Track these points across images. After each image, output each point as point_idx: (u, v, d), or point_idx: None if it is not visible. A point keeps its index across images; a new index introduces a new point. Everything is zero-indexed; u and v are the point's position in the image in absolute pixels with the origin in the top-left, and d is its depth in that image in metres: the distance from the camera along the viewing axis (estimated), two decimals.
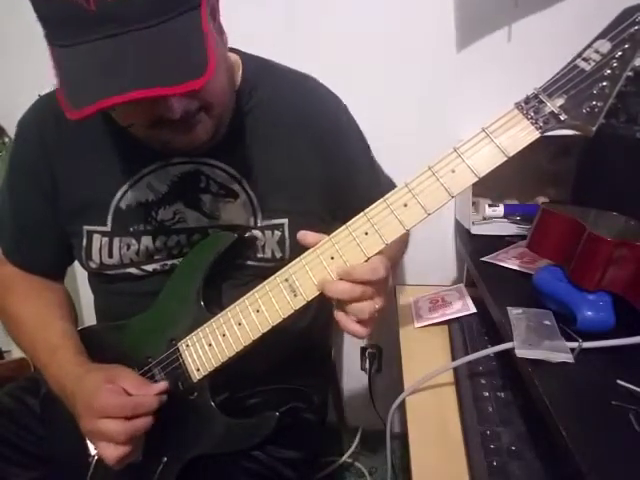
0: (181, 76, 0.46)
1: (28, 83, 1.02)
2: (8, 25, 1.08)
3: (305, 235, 0.54)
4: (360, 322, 0.53)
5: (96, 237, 0.68)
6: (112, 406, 0.57)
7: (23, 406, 0.74)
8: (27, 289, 0.73)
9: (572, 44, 0.50)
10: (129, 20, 0.46)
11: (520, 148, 0.49)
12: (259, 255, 0.71)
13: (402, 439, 0.71)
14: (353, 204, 0.54)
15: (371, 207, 0.52)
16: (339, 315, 0.54)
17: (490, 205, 1.00)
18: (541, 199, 1.02)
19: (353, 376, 1.33)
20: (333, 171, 0.72)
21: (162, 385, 0.62)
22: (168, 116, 0.54)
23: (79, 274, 1.22)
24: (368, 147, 0.80)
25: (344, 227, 0.53)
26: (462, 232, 1.03)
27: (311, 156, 0.71)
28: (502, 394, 0.69)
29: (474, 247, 0.94)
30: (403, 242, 0.87)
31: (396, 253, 0.83)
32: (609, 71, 0.47)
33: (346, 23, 0.99)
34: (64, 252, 0.74)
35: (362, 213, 0.53)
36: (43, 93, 0.97)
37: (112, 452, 0.57)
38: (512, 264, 0.82)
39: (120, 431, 0.57)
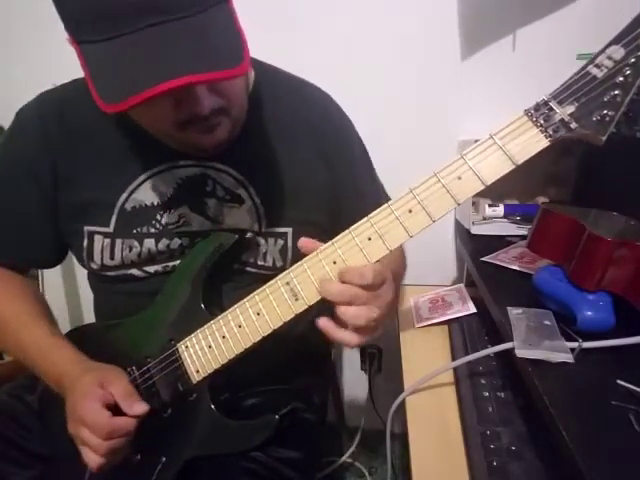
0: (226, 62, 0.47)
1: (28, 83, 1.02)
2: (8, 25, 1.08)
3: (306, 242, 0.53)
4: (355, 330, 0.52)
5: (97, 238, 0.68)
6: (90, 422, 0.58)
7: (22, 405, 0.74)
8: (6, 288, 0.72)
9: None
10: (169, 9, 0.46)
11: (529, 156, 0.48)
12: (259, 262, 0.71)
13: (402, 439, 0.71)
14: (355, 218, 0.53)
15: (375, 212, 0.51)
16: (325, 323, 0.53)
17: (490, 205, 1.00)
18: (541, 199, 1.02)
19: (353, 376, 1.33)
20: (338, 183, 0.72)
21: (143, 408, 0.61)
22: (197, 112, 0.54)
23: (79, 274, 1.22)
24: (370, 161, 0.81)
25: (347, 232, 0.52)
26: (462, 232, 1.03)
27: (318, 167, 0.71)
28: (502, 394, 0.69)
29: (474, 247, 0.94)
30: (402, 258, 0.83)
31: (395, 268, 0.82)
32: (621, 78, 0.45)
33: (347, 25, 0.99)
34: (47, 250, 0.73)
35: (366, 218, 0.52)
36: None
37: (92, 459, 0.59)
38: (512, 264, 0.82)
39: (97, 445, 0.58)
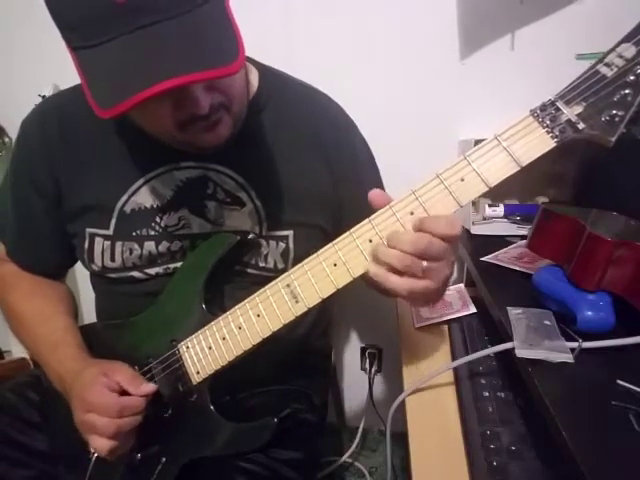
0: (220, 59, 0.46)
1: (28, 83, 1.02)
2: (8, 26, 1.08)
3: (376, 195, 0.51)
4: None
5: (98, 240, 0.68)
6: (100, 404, 0.59)
7: (25, 402, 0.74)
8: (30, 286, 0.74)
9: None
10: (159, 10, 0.46)
11: (534, 158, 0.46)
12: (261, 264, 0.71)
13: (402, 439, 0.71)
14: (358, 221, 0.52)
15: (377, 214, 0.51)
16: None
17: (490, 205, 1.00)
18: (541, 199, 1.02)
19: (353, 376, 1.33)
20: (343, 192, 0.72)
21: (151, 387, 0.63)
22: (195, 112, 0.53)
23: (79, 274, 1.22)
24: (376, 167, 0.80)
25: (348, 233, 0.52)
26: (462, 232, 1.02)
27: (321, 171, 0.71)
28: (502, 394, 0.69)
29: (474, 247, 0.93)
30: None
31: None
32: (632, 77, 0.44)
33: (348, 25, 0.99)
34: (66, 255, 0.75)
35: (367, 220, 0.51)
36: (43, 93, 0.97)
37: (101, 444, 0.59)
38: (512, 264, 0.82)
39: (106, 426, 0.58)
